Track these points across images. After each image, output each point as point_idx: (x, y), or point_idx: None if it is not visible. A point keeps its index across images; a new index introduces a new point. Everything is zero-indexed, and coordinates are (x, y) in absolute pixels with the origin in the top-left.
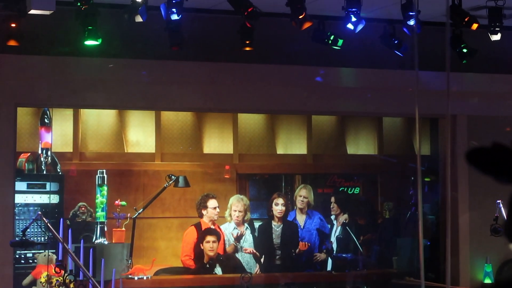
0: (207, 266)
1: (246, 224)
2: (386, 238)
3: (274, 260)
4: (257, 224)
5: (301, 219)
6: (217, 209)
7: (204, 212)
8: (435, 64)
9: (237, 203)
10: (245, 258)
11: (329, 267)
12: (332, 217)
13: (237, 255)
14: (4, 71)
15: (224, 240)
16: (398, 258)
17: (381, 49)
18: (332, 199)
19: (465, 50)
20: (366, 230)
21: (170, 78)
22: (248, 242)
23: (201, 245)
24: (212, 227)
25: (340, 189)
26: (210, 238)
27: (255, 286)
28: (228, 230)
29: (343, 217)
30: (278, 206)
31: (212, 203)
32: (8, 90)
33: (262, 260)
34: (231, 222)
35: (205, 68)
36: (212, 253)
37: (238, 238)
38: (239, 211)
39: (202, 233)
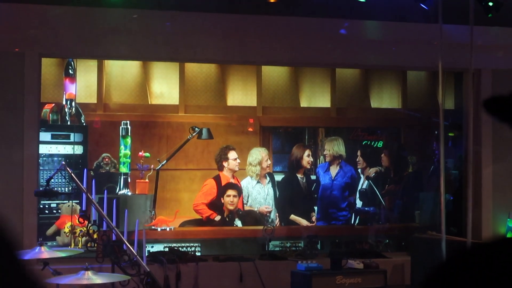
0: (226, 219)
1: (268, 177)
2: (408, 192)
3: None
4: (278, 177)
5: (333, 171)
6: (238, 160)
7: (225, 164)
8: (461, 17)
9: (264, 153)
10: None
11: (352, 220)
12: (359, 170)
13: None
14: (28, 21)
15: (242, 196)
16: (421, 212)
17: (405, 1)
18: (358, 152)
19: (490, 4)
20: (390, 181)
21: (193, 30)
22: (270, 195)
23: (221, 198)
24: (232, 180)
25: (364, 143)
26: (231, 192)
27: (277, 238)
28: (251, 184)
29: (372, 170)
30: (309, 158)
31: (232, 154)
32: (32, 40)
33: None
34: (253, 177)
35: (229, 20)
36: (232, 207)
37: (267, 218)
38: (269, 159)
39: (224, 187)
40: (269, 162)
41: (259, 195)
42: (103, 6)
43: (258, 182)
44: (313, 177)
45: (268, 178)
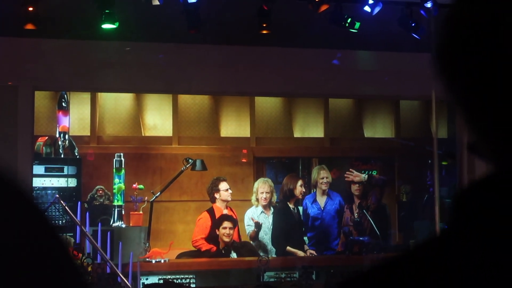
0: (222, 252)
1: (272, 208)
2: (403, 221)
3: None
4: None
5: (321, 200)
6: (229, 191)
7: (216, 195)
8: None
9: (263, 185)
10: (263, 244)
11: (345, 249)
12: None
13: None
14: (21, 55)
15: (238, 227)
16: (415, 241)
17: (398, 31)
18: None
19: None
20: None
21: (187, 61)
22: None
23: (216, 230)
24: (226, 211)
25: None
26: (227, 224)
27: (272, 269)
28: (255, 214)
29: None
30: (302, 188)
31: (223, 185)
32: (25, 74)
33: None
34: (257, 206)
35: (223, 51)
36: (228, 239)
37: (258, 225)
38: (266, 193)
39: (219, 219)
40: (265, 194)
41: (264, 225)
42: (96, 39)
43: (262, 212)
44: (301, 208)
45: (272, 209)
